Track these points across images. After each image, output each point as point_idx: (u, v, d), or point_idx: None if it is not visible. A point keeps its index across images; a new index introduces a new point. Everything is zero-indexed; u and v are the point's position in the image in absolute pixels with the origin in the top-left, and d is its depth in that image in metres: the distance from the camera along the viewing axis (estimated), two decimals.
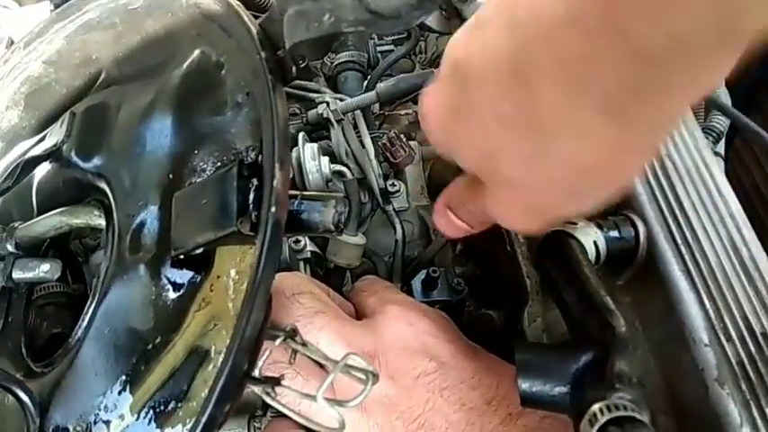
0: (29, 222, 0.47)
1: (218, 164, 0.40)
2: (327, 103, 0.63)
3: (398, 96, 0.64)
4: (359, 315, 0.50)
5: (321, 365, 0.43)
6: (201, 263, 0.40)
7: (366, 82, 0.77)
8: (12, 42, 0.71)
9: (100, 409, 0.39)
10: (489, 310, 0.61)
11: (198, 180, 0.40)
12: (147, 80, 0.47)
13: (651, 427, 0.30)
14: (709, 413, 0.37)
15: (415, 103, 0.79)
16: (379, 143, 0.65)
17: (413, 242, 0.63)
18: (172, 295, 0.40)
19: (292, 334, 0.35)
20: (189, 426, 0.34)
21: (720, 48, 0.23)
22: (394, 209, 0.62)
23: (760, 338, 0.38)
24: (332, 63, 0.83)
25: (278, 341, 0.34)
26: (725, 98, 0.65)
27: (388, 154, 0.64)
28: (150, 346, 0.39)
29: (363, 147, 0.63)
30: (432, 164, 0.68)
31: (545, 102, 0.26)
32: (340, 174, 0.60)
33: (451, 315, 0.52)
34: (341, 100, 0.65)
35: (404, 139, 0.65)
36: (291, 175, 0.55)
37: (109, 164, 0.46)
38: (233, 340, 0.32)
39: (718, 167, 0.45)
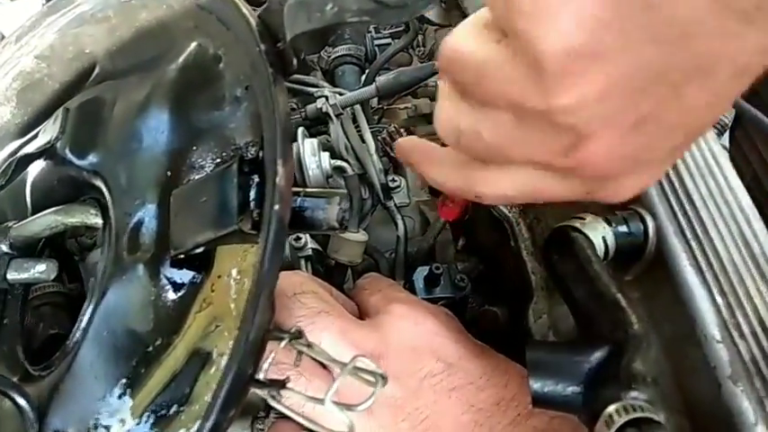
0: (23, 222, 0.46)
1: (218, 160, 0.39)
2: (326, 98, 0.62)
3: (399, 90, 0.63)
4: (362, 314, 0.49)
5: (324, 366, 0.42)
6: (202, 262, 0.39)
7: (364, 76, 0.76)
8: (2, 37, 0.70)
9: (100, 414, 0.38)
10: (492, 307, 0.60)
11: (197, 177, 0.39)
12: (142, 74, 0.45)
13: (668, 428, 0.29)
14: (722, 411, 0.36)
15: (415, 96, 0.78)
16: (379, 138, 0.64)
17: (414, 238, 0.62)
18: (172, 296, 0.39)
19: (297, 335, 0.34)
20: (193, 430, 0.33)
21: None
22: (395, 204, 0.61)
23: None
24: (329, 57, 0.82)
25: (283, 343, 0.33)
26: None
27: (388, 149, 0.63)
28: (150, 348, 0.38)
29: (363, 141, 0.62)
30: None
31: None
32: (340, 169, 0.59)
33: (454, 312, 0.51)
34: (340, 94, 0.64)
35: (404, 134, 0.64)
36: None
37: (104, 161, 0.45)
38: (237, 343, 0.31)
39: (726, 160, 0.44)
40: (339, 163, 0.59)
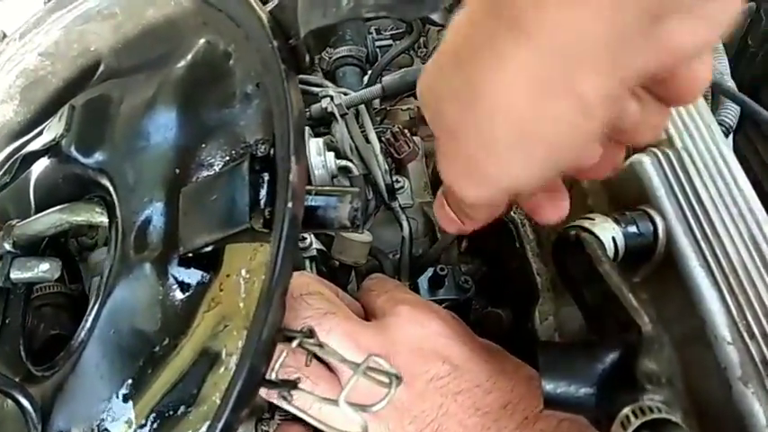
0: (27, 220, 0.45)
1: (227, 158, 0.39)
2: (331, 97, 0.62)
3: (405, 90, 0.63)
4: (368, 315, 0.49)
5: (330, 369, 0.42)
6: (210, 261, 0.38)
7: (367, 76, 0.76)
8: (3, 35, 0.69)
9: (105, 414, 0.38)
10: (496, 309, 0.60)
11: (206, 175, 0.39)
12: (149, 71, 0.45)
13: (686, 428, 0.29)
14: (733, 413, 0.36)
15: (416, 98, 0.78)
16: (383, 138, 0.63)
17: (417, 239, 0.62)
18: (179, 295, 0.39)
19: (309, 334, 0.33)
20: (202, 431, 0.33)
21: None
22: (400, 205, 0.61)
23: None
24: (330, 58, 0.82)
25: (295, 342, 0.33)
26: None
27: (392, 149, 0.63)
28: (157, 348, 0.38)
29: (368, 142, 0.61)
30: (435, 159, 0.67)
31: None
32: (346, 170, 0.58)
33: (458, 314, 0.51)
34: (345, 94, 0.64)
35: (408, 135, 0.64)
36: None
37: (111, 159, 0.45)
38: (249, 342, 0.30)
39: (735, 161, 0.44)
40: (344, 163, 0.58)
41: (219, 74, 0.41)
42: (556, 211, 0.37)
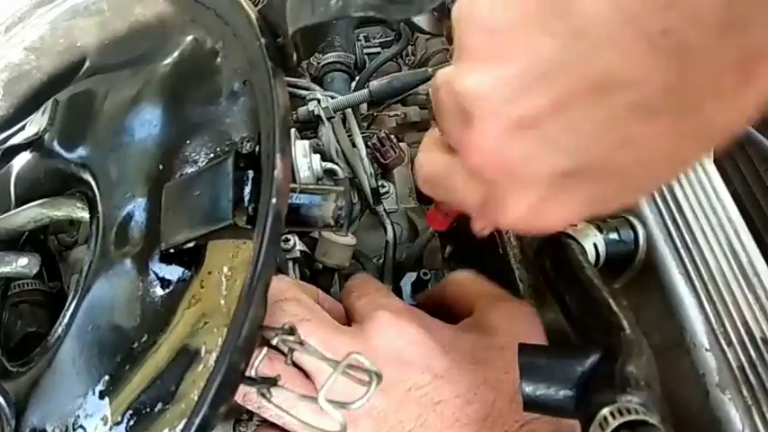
0: (7, 214, 0.45)
1: (212, 155, 0.39)
2: (318, 101, 0.62)
3: (392, 95, 0.63)
4: (349, 318, 0.48)
5: (306, 375, 0.41)
6: (191, 258, 0.38)
7: (355, 82, 0.76)
8: None
9: (80, 411, 0.37)
10: None
11: (190, 171, 0.39)
12: (135, 68, 0.45)
13: (664, 430, 0.29)
14: (710, 419, 0.36)
15: (404, 104, 0.78)
16: (369, 143, 0.64)
17: (401, 244, 0.62)
18: (160, 291, 0.38)
19: (290, 331, 0.33)
20: (179, 428, 0.32)
21: None
22: (384, 210, 0.61)
23: (760, 343, 0.37)
24: (318, 63, 0.82)
25: (275, 339, 0.33)
26: None
27: (378, 154, 0.63)
28: (136, 345, 0.37)
29: (354, 146, 0.62)
30: None
31: None
32: (331, 172, 0.58)
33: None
34: (332, 98, 0.64)
35: (394, 140, 0.64)
36: None
37: (94, 154, 0.44)
38: (229, 337, 0.30)
39: (715, 171, 0.45)
40: (330, 166, 0.58)
41: (206, 71, 0.41)
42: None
